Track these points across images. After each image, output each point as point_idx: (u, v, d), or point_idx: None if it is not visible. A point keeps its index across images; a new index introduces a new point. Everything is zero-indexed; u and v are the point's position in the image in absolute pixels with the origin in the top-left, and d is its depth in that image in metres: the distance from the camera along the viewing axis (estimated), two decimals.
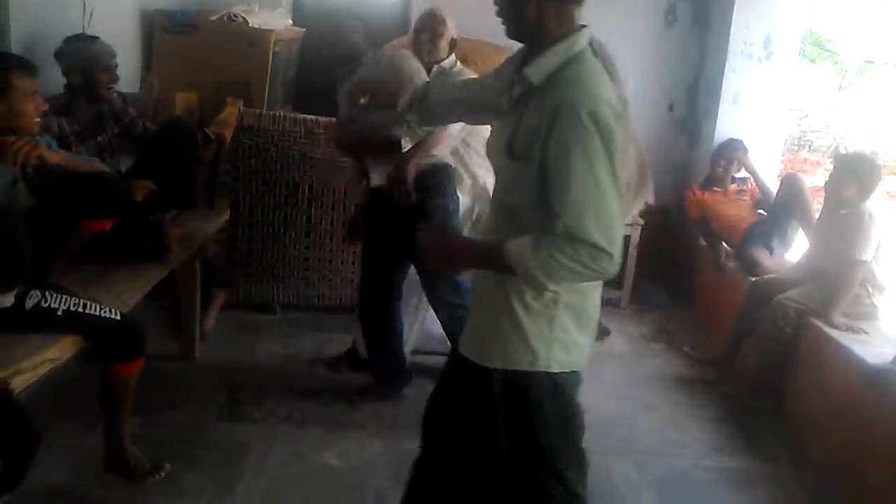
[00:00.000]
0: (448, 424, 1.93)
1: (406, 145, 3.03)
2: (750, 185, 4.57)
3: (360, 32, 3.39)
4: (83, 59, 3.01)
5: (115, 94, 3.20)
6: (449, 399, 1.93)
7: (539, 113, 1.60)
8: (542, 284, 1.62)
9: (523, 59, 1.71)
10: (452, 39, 3.27)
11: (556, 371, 1.75)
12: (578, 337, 1.77)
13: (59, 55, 3.01)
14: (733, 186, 4.57)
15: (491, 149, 1.94)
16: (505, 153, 1.69)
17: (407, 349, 3.55)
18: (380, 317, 3.38)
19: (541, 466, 1.81)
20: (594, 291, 1.82)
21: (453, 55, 3.28)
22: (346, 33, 3.37)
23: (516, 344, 1.73)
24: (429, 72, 3.17)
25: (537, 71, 1.63)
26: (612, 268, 1.59)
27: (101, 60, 3.04)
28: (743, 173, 4.61)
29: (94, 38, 3.11)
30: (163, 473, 2.66)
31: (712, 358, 3.99)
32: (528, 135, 1.62)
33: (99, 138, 3.13)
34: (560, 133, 1.56)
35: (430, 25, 3.22)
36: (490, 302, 1.78)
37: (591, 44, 1.67)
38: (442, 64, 3.24)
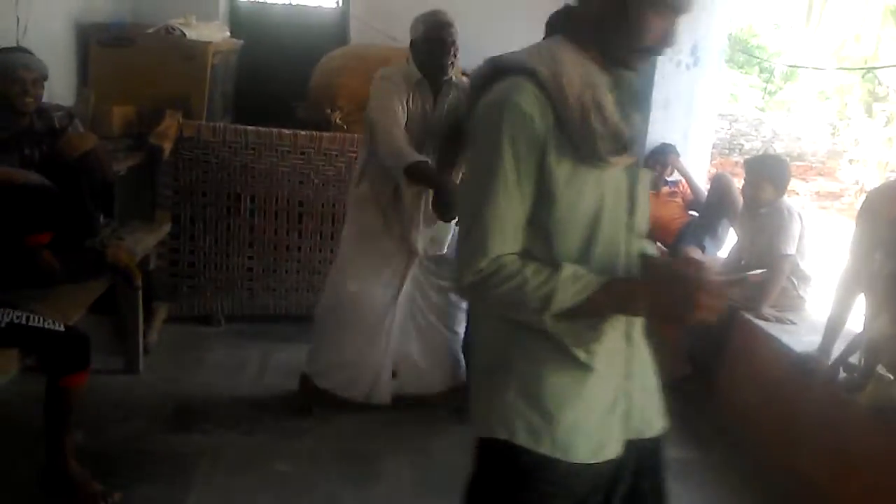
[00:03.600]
0: None
1: None
2: (681, 188, 4.73)
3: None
4: None
5: (60, 113, 3.15)
6: None
7: None
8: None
9: None
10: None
11: None
12: None
13: None
14: (665, 189, 4.73)
15: None
16: None
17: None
18: None
19: None
20: None
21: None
22: None
23: None
24: (442, 89, 3.06)
25: None
26: None
27: (11, 73, 2.87)
28: (675, 177, 4.77)
29: (12, 51, 2.99)
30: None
31: (684, 375, 3.70)
32: None
33: (26, 151, 3.04)
34: None
35: (449, 35, 3.02)
36: None
37: None
38: (455, 80, 3.11)
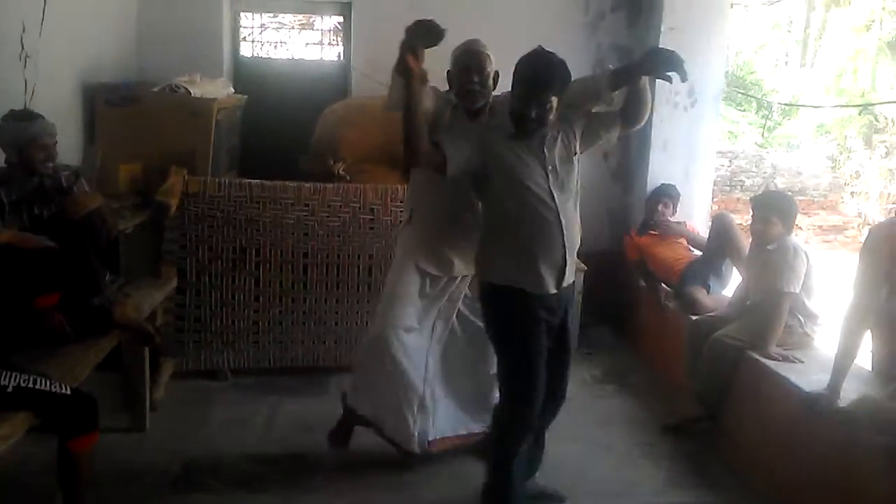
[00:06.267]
0: None
1: None
2: (687, 227, 4.75)
3: None
4: (20, 138, 2.97)
5: (67, 172, 3.20)
6: None
7: None
8: None
9: None
10: (496, 73, 3.09)
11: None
12: None
13: None
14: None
15: None
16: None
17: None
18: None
19: None
20: None
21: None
22: None
23: None
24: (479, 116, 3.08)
25: None
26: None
27: (37, 140, 3.00)
28: (678, 216, 4.79)
29: (32, 117, 3.07)
30: None
31: (694, 417, 3.77)
32: None
33: (36, 211, 3.10)
34: None
35: (478, 63, 3.02)
36: None
37: None
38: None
